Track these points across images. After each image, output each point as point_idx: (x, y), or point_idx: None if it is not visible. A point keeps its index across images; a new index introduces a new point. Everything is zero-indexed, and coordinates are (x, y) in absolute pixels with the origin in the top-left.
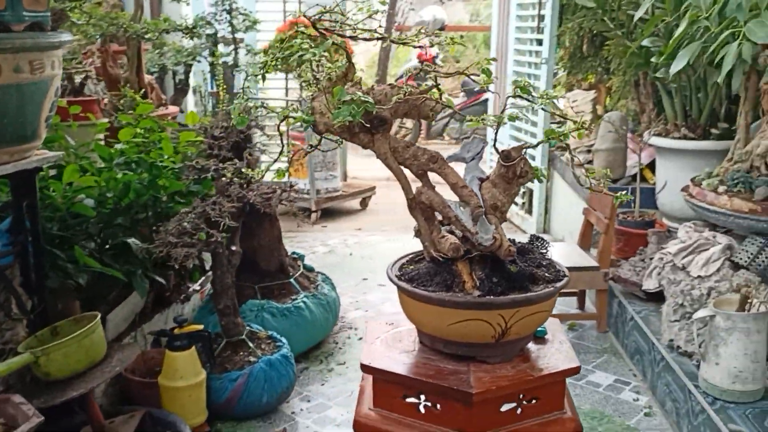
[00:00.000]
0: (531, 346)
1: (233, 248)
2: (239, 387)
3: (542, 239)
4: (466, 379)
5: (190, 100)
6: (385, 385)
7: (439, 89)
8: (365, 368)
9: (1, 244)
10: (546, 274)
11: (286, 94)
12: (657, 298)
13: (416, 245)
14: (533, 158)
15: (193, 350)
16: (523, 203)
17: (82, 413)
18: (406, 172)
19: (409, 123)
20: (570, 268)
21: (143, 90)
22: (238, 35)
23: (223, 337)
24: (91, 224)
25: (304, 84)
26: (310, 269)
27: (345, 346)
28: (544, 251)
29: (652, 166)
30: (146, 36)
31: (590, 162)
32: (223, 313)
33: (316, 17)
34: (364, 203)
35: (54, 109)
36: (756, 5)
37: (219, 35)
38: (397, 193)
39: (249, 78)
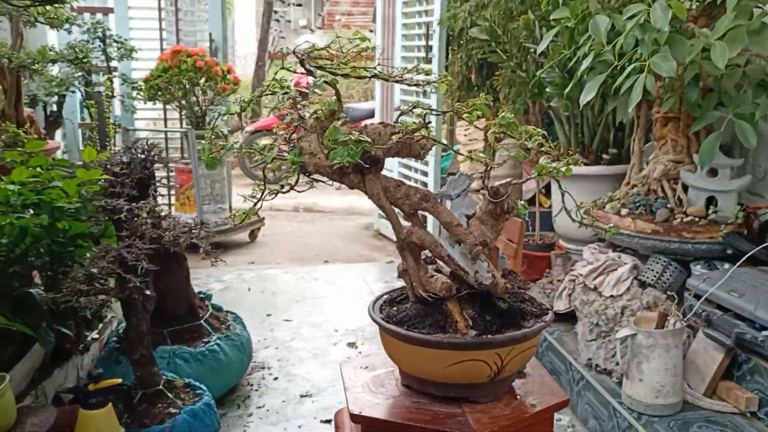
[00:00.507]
0: (515, 381)
1: (147, 293)
2: None
3: (514, 273)
4: (465, 422)
5: (58, 132)
6: None
7: (427, 128)
8: (355, 417)
9: None
10: (532, 309)
11: (165, 125)
12: (567, 318)
13: (313, 276)
14: (425, 185)
15: (110, 407)
16: None
17: None
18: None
19: None
20: None
21: (24, 125)
22: (113, 64)
23: (138, 390)
24: None
25: (185, 115)
26: (219, 309)
27: (261, 387)
28: (521, 284)
29: (546, 190)
30: (33, 66)
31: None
32: (138, 364)
33: (304, 55)
34: (253, 235)
35: None
36: (656, 41)
37: (92, 63)
38: (282, 222)
39: (126, 108)
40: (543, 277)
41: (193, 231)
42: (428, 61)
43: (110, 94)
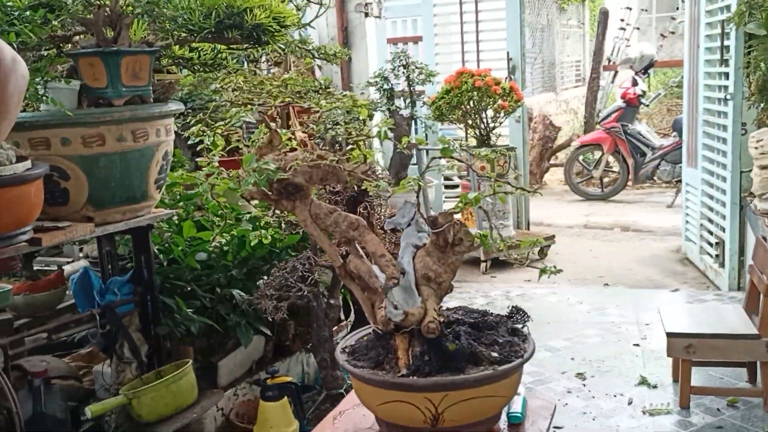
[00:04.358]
0: None
1: (332, 302)
2: None
3: (523, 312)
4: None
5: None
6: None
7: (361, 149)
8: None
9: (123, 293)
10: (493, 354)
11: (466, 139)
12: None
13: (579, 299)
14: (723, 204)
15: (284, 401)
16: (717, 255)
17: None
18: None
19: (616, 166)
20: (721, 335)
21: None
22: (418, 87)
23: (323, 390)
24: (216, 276)
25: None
26: None
27: None
28: (520, 326)
29: None
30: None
31: None
32: (321, 366)
33: None
34: (542, 253)
35: (165, 172)
36: None
37: (398, 89)
38: (585, 240)
39: (426, 128)
40: None
41: None
42: (725, 63)
43: (412, 115)
